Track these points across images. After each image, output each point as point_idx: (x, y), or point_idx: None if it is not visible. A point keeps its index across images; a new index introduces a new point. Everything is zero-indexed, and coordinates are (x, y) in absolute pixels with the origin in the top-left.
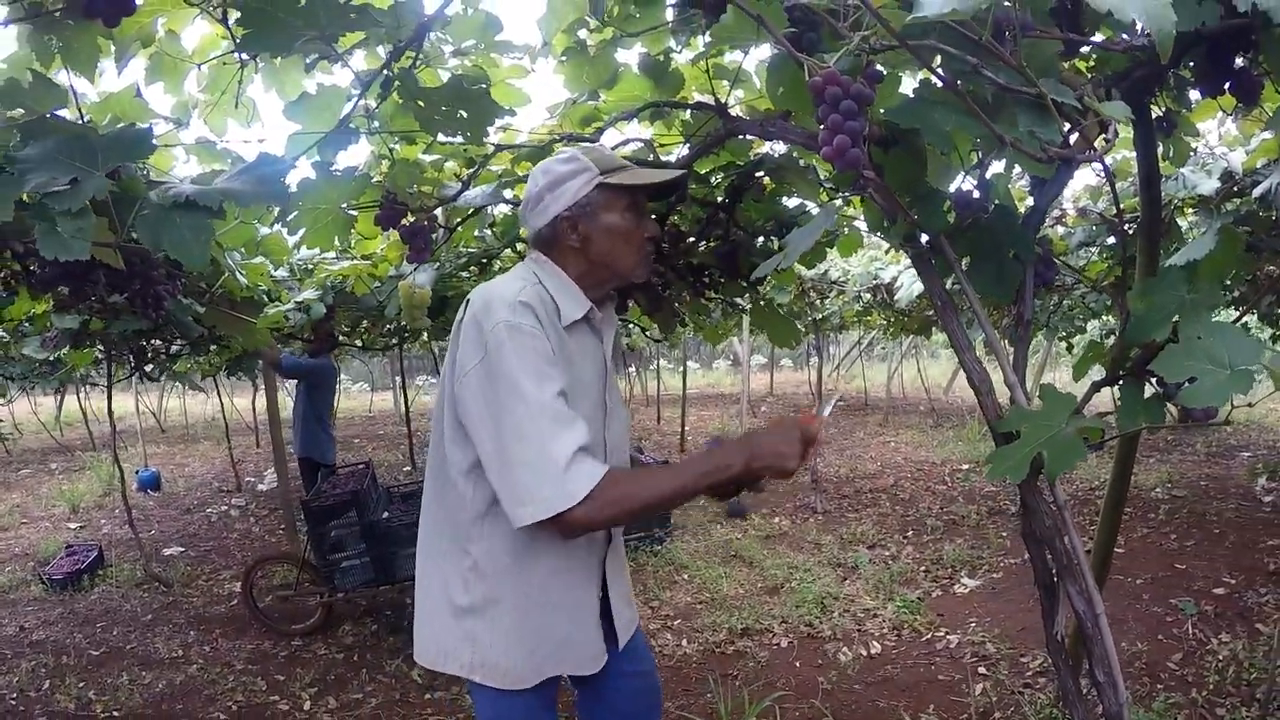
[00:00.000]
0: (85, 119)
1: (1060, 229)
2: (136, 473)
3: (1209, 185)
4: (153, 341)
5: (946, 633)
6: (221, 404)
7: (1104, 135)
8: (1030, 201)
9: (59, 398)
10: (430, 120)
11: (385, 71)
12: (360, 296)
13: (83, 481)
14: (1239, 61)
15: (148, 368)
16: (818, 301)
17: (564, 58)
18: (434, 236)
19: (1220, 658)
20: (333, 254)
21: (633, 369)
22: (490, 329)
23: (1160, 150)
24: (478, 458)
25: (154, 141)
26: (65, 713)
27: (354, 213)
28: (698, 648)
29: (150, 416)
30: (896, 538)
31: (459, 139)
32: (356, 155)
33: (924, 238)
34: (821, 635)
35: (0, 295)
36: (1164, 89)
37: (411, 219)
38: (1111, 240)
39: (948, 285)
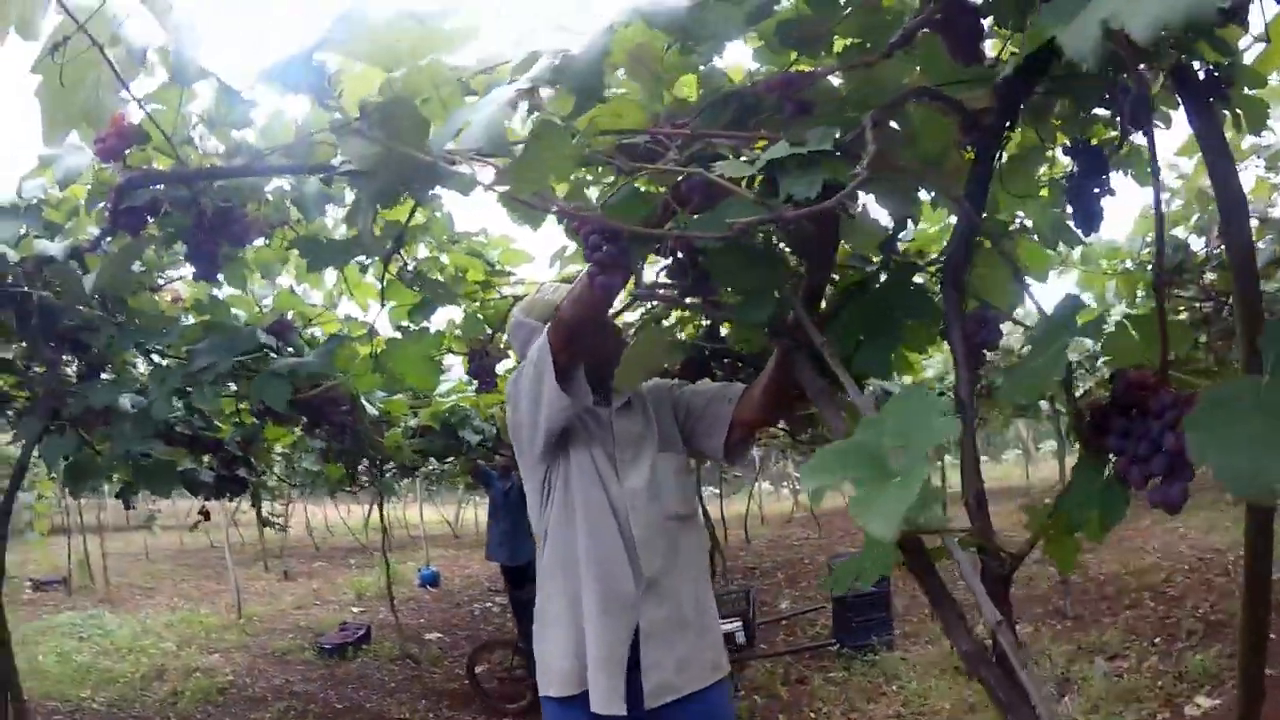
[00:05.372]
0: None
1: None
2: (419, 570)
3: None
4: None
5: None
6: None
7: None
8: None
9: (369, 507)
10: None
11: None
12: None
13: (370, 575)
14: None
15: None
16: None
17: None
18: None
19: None
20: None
21: None
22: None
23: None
24: (539, 482)
25: (261, 336)
26: None
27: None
28: None
29: (446, 524)
30: (1143, 645)
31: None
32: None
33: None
34: None
35: (258, 424)
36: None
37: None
38: None
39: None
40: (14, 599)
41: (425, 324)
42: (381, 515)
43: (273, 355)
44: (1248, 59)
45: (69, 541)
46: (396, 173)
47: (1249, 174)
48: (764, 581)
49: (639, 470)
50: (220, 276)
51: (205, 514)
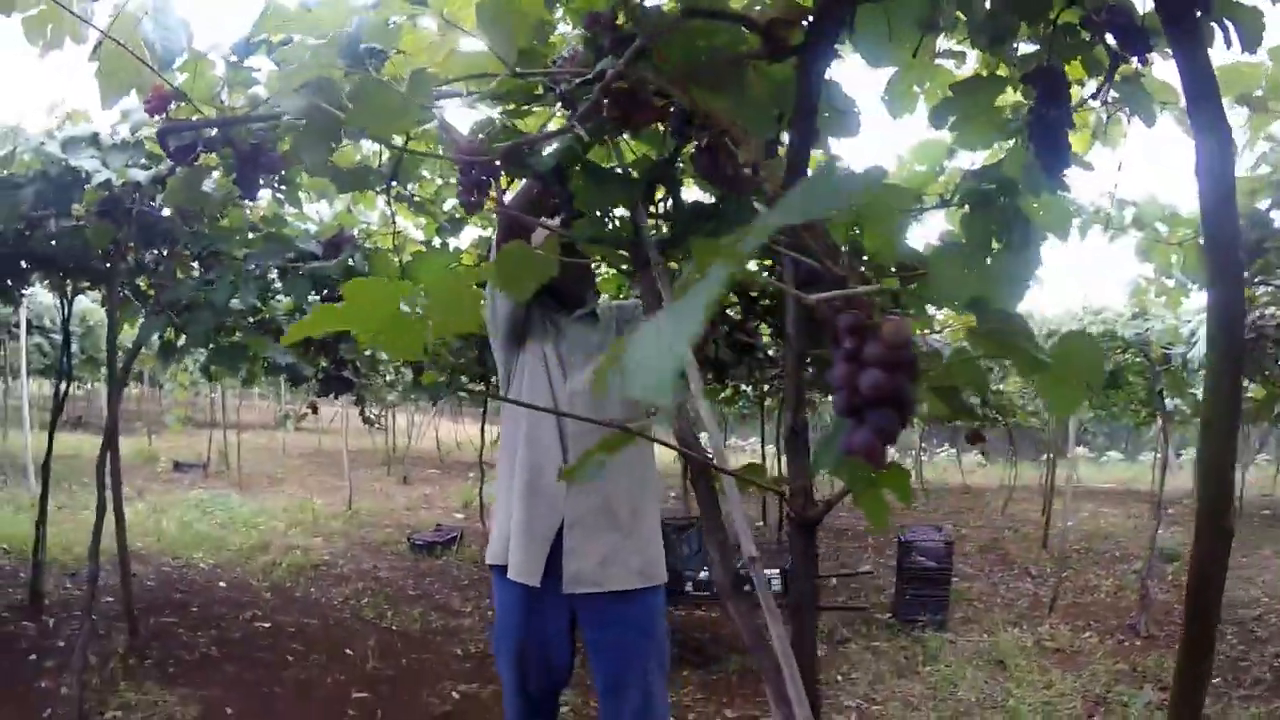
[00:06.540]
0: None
1: None
2: None
3: None
4: None
5: None
6: None
7: None
8: None
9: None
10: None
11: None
12: None
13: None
14: None
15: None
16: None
17: None
18: None
19: None
20: None
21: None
22: None
23: None
24: (504, 371)
25: (310, 245)
26: (363, 618)
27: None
28: None
29: None
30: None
31: None
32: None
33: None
34: None
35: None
36: None
37: None
38: None
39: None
40: (155, 476)
41: (450, 240)
42: (482, 431)
43: (316, 261)
44: None
45: (211, 434)
46: (322, 122)
47: None
48: (852, 544)
49: (584, 373)
50: (282, 197)
51: (314, 408)
